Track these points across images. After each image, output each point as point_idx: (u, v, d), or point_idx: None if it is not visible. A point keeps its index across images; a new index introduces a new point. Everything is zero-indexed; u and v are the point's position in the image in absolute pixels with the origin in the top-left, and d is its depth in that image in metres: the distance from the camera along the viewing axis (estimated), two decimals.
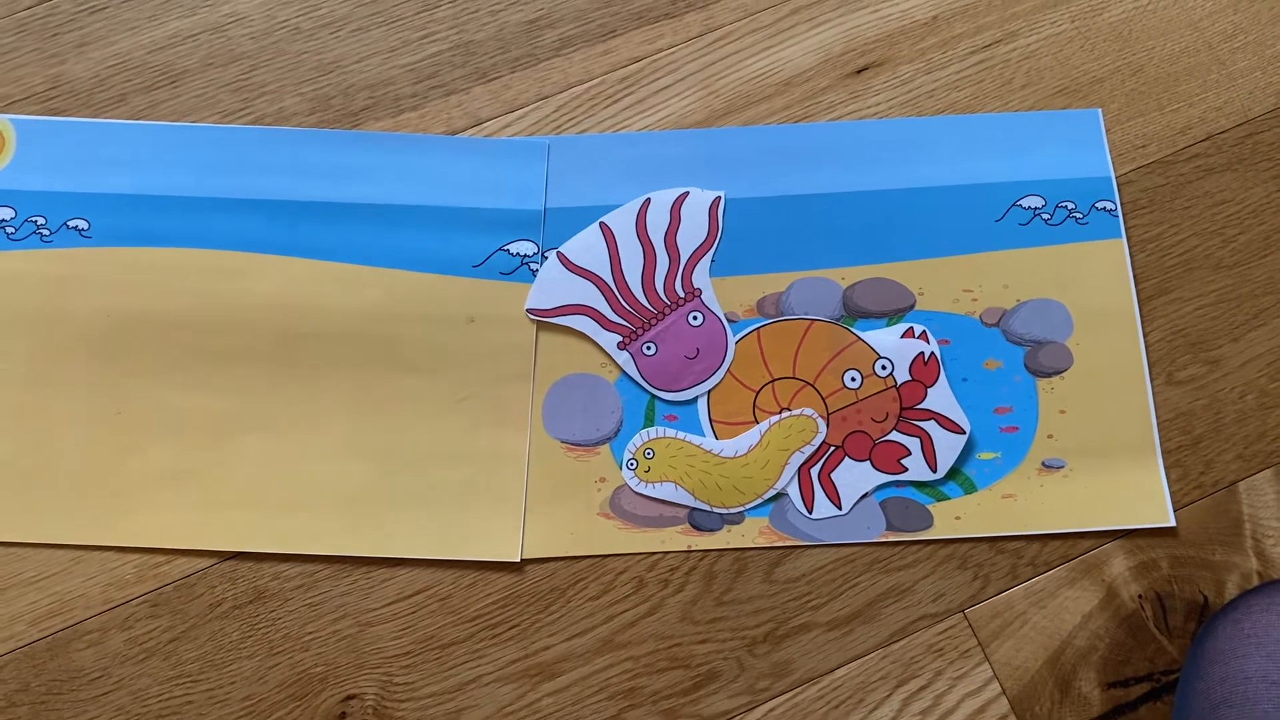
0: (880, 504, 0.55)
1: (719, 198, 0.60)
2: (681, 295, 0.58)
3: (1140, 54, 0.63)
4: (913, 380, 0.57)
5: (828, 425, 0.56)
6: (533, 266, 0.59)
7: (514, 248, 0.59)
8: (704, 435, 0.57)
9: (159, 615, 0.54)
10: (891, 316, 0.58)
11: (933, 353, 0.57)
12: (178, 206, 0.60)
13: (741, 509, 0.55)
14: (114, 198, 0.60)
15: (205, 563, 0.55)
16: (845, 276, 0.59)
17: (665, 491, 0.55)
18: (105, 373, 0.57)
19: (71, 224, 0.59)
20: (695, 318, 0.58)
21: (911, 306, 0.58)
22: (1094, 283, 0.58)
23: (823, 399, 0.57)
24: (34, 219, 0.59)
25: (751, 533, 0.55)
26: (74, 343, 0.58)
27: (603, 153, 0.61)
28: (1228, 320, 0.58)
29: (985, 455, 0.56)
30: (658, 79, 0.63)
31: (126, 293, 0.58)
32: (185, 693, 0.53)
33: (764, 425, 0.56)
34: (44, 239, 0.59)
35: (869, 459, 0.56)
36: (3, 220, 0.59)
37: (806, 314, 0.58)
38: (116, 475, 0.56)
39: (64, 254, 0.59)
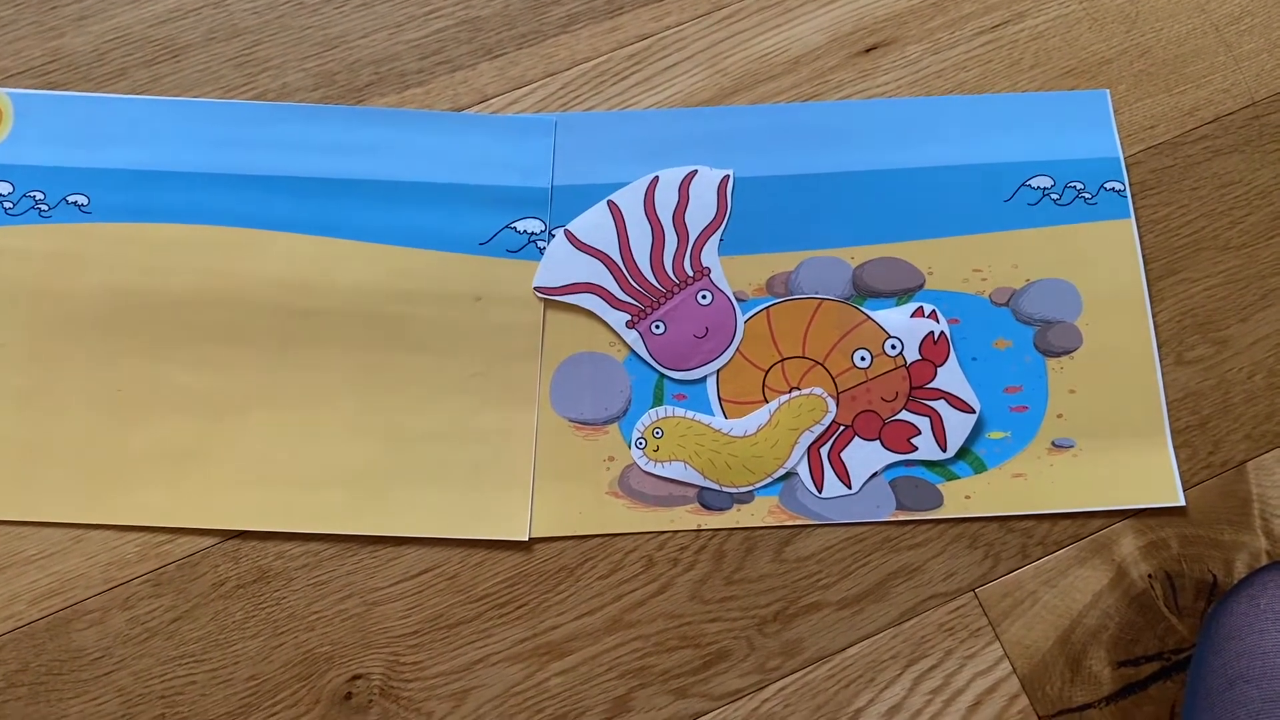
0: (890, 483, 0.55)
1: (727, 176, 0.59)
2: (690, 274, 0.58)
3: (1148, 35, 0.63)
4: (922, 359, 0.56)
5: (837, 404, 0.56)
6: (540, 244, 0.59)
7: (521, 225, 0.59)
8: (713, 414, 0.56)
9: (161, 595, 0.54)
10: (901, 296, 0.58)
11: (942, 332, 0.56)
12: (179, 182, 0.59)
13: (751, 488, 0.55)
14: (114, 173, 0.59)
15: (208, 542, 0.54)
16: (854, 256, 0.58)
17: (674, 471, 0.55)
18: (106, 350, 0.56)
19: (71, 199, 0.58)
20: (704, 297, 0.58)
21: (921, 286, 0.58)
22: (1103, 263, 0.58)
23: (832, 378, 0.56)
24: (32, 194, 0.58)
25: (761, 512, 0.55)
26: (74, 319, 0.57)
27: (610, 130, 0.61)
28: (1236, 301, 0.58)
29: (995, 434, 0.56)
30: (665, 56, 0.62)
31: (127, 269, 0.58)
32: (188, 673, 0.52)
33: (773, 404, 0.56)
34: (43, 214, 0.58)
35: (879, 438, 0.56)
36: (1, 195, 0.58)
37: (816, 293, 0.58)
38: (118, 453, 0.55)
39: (64, 229, 0.58)
